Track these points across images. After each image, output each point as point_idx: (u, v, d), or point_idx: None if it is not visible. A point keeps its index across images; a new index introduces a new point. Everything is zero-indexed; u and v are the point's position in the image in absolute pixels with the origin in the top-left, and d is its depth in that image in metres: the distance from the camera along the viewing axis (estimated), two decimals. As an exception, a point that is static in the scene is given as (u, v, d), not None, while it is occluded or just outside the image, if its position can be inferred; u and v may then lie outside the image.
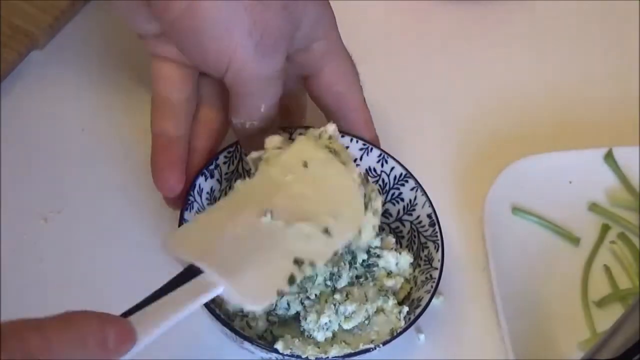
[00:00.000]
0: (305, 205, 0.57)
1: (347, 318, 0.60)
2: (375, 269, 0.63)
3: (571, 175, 0.74)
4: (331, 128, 0.64)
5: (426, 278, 0.63)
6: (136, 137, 0.72)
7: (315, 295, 0.60)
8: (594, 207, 0.73)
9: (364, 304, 0.60)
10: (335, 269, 0.60)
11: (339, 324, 0.60)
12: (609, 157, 0.74)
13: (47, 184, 0.68)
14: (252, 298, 0.53)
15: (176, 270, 0.59)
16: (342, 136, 0.66)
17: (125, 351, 0.46)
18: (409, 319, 0.60)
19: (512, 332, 0.63)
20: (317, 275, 0.60)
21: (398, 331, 0.59)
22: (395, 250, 0.64)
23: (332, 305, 0.59)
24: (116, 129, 0.72)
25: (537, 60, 0.85)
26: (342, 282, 0.61)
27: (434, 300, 0.61)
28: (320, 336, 0.59)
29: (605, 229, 0.72)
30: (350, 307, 0.60)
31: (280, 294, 0.55)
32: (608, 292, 0.69)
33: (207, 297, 0.51)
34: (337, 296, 0.60)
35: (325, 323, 0.59)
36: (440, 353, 0.65)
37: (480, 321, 0.66)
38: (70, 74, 0.75)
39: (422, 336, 0.65)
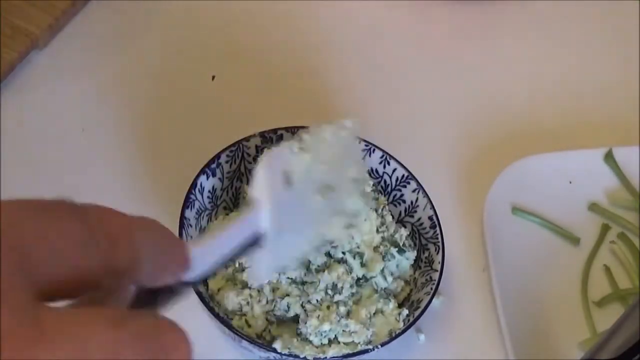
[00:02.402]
0: None
1: (346, 332, 0.60)
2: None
3: (571, 175, 0.74)
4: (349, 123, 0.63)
5: (426, 280, 0.62)
6: (136, 137, 0.72)
7: (317, 300, 0.60)
8: (594, 207, 0.73)
9: (368, 329, 0.60)
10: (336, 277, 0.60)
11: (335, 335, 0.60)
12: (609, 157, 0.74)
13: (47, 184, 0.68)
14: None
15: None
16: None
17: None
18: (409, 320, 0.60)
19: (512, 332, 0.63)
20: (319, 281, 0.60)
21: (396, 332, 0.59)
22: (396, 251, 0.65)
23: (336, 315, 0.59)
24: (116, 129, 0.72)
25: (537, 61, 0.85)
26: (344, 294, 0.61)
27: (434, 300, 0.61)
28: (316, 341, 0.59)
29: (605, 229, 0.72)
30: (353, 327, 0.60)
31: None
32: (608, 292, 0.69)
33: (247, 217, 0.43)
34: (342, 309, 0.60)
35: (325, 331, 0.59)
36: (440, 353, 0.65)
37: (480, 321, 0.66)
38: (70, 74, 0.75)
39: (422, 336, 0.65)
